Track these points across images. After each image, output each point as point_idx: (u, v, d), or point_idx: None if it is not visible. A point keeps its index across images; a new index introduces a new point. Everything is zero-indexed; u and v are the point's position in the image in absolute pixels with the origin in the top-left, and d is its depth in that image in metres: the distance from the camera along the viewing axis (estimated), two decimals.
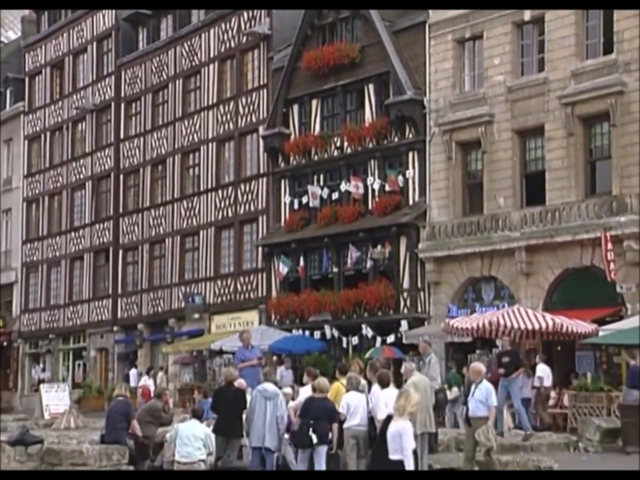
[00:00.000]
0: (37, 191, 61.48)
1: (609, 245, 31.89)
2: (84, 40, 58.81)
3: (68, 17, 60.22)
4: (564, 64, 35.29)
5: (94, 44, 57.97)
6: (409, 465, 11.40)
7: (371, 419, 18.20)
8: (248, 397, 19.87)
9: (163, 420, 20.76)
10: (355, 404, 18.24)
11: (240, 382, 20.81)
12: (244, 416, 19.37)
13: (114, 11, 56.07)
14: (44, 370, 58.54)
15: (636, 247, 32.51)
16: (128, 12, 55.02)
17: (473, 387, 18.59)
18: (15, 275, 62.47)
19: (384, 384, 18.28)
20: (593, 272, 33.76)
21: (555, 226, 34.56)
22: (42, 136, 61.65)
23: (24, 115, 63.19)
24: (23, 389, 59.07)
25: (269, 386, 19.10)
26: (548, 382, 30.93)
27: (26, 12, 66.26)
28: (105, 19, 57.05)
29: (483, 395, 18.10)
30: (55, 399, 41.15)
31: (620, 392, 29.12)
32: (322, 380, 18.91)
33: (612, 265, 32.00)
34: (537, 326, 29.72)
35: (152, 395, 34.26)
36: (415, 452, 18.56)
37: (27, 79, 63.51)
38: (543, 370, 30.85)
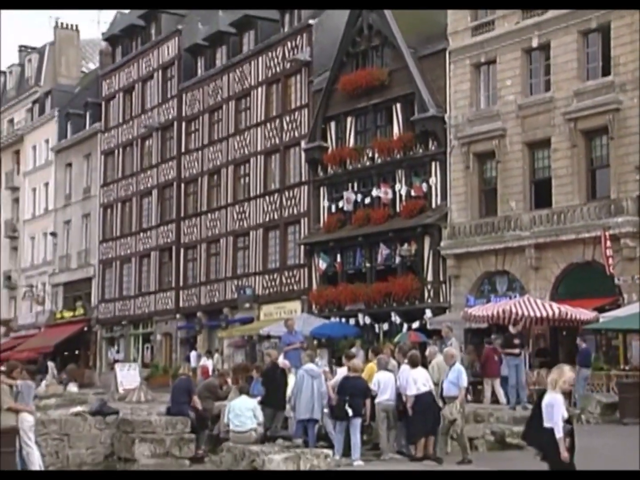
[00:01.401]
0: (111, 198, 61.67)
1: (608, 243, 31.79)
2: (151, 69, 58.93)
3: (138, 49, 60.45)
4: (568, 85, 35.14)
5: (160, 71, 58.09)
6: (558, 432, 11.26)
7: (399, 395, 18.39)
8: (291, 376, 20.13)
9: (219, 396, 20.98)
10: (385, 382, 18.44)
11: (284, 363, 21.03)
12: (288, 391, 19.57)
13: (177, 43, 56.25)
14: (118, 351, 58.95)
15: (632, 244, 32.43)
16: (189, 44, 55.12)
17: (447, 369, 18.24)
18: (93, 270, 62.75)
19: (414, 364, 18.35)
20: (594, 267, 33.48)
21: (561, 226, 34.48)
22: (116, 151, 61.87)
23: (100, 133, 63.45)
24: (101, 368, 59.33)
25: (314, 366, 19.26)
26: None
27: (103, 45, 66.60)
28: (169, 49, 57.17)
29: (455, 377, 17.76)
30: (128, 376, 41.16)
31: (618, 371, 29.13)
32: (357, 362, 19.25)
33: (610, 261, 31.92)
34: (544, 314, 29.76)
35: (209, 374, 34.05)
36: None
37: (103, 103, 63.79)
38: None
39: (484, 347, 32.00)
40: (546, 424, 11.37)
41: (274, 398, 19.41)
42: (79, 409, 21.25)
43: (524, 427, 12.45)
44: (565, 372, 11.72)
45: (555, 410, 11.32)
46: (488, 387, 27.48)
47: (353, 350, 32.60)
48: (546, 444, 11.45)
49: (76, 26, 75.72)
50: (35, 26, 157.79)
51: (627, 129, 33.22)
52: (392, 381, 18.39)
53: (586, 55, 35.11)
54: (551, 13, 35.58)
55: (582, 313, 30.14)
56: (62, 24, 74.80)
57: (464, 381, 17.80)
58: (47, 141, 69.83)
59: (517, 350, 25.95)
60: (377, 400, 18.29)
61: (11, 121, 77.24)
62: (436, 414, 18.29)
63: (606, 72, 34.22)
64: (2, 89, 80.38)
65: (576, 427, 22.82)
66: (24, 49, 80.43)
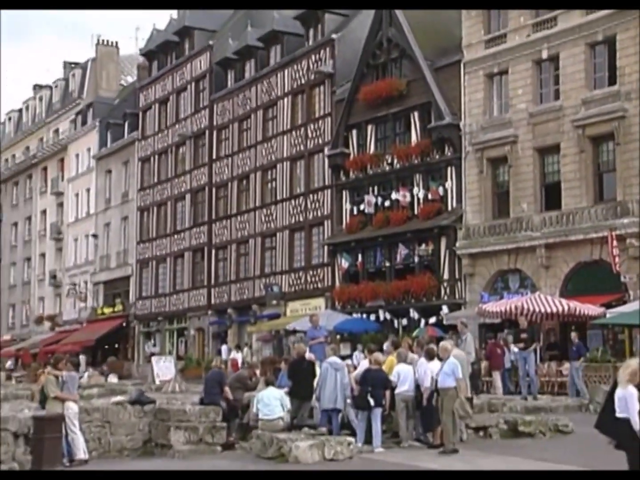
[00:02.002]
0: (148, 202, 61.77)
1: (614, 243, 31.75)
2: (184, 81, 59.02)
3: (172, 63, 60.56)
4: (576, 94, 35.02)
5: (193, 83, 58.18)
6: (635, 424, 10.98)
7: (417, 386, 18.39)
8: (316, 370, 20.03)
9: (249, 387, 20.86)
10: (404, 374, 18.41)
11: (310, 356, 21.03)
12: (315, 382, 19.53)
13: (208, 57, 56.31)
14: (154, 345, 59.03)
15: (637, 244, 32.30)
16: (219, 57, 55.15)
17: (442, 362, 17.98)
18: (131, 269, 62.91)
19: (431, 357, 18.36)
20: (601, 265, 33.37)
21: (570, 227, 34.36)
22: (152, 158, 61.98)
23: (137, 142, 63.63)
24: (139, 360, 59.33)
25: (337, 359, 19.27)
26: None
27: (141, 59, 66.90)
28: (201, 63, 57.27)
29: (450, 369, 17.49)
30: (164, 368, 41.26)
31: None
32: (377, 355, 19.16)
33: (617, 259, 31.85)
34: (554, 310, 29.95)
35: (239, 366, 34.10)
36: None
37: (140, 113, 63.92)
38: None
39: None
40: (619, 415, 11.21)
41: (300, 389, 19.36)
42: (119, 398, 21.35)
43: (597, 416, 12.26)
44: (630, 365, 11.54)
45: (629, 403, 11.12)
46: (497, 378, 27.61)
47: (385, 345, 32.77)
48: (621, 434, 11.27)
49: (116, 43, 76.32)
50: (78, 43, 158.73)
51: (632, 135, 33.09)
52: (410, 373, 18.35)
53: (593, 65, 34.98)
54: (560, 26, 35.58)
55: (590, 309, 30.33)
56: (103, 41, 75.27)
57: (460, 373, 17.56)
58: (89, 149, 70.18)
59: (521, 345, 26.47)
60: (396, 391, 18.24)
61: (56, 131, 77.71)
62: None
63: (612, 81, 34.13)
64: (48, 102, 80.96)
65: (584, 416, 22.98)
66: (68, 65, 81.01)
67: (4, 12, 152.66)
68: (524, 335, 28.28)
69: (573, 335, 29.83)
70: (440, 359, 18.15)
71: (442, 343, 18.99)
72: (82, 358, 51.62)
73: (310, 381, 19.47)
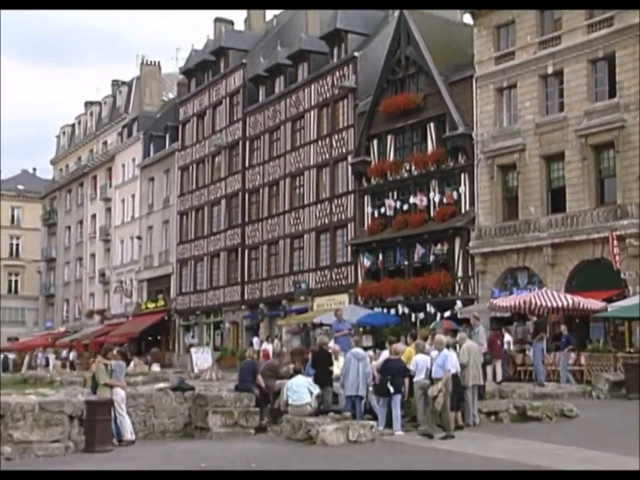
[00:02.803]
0: (187, 206, 61.93)
1: (615, 243, 31.62)
2: (220, 96, 59.15)
3: (209, 80, 60.65)
4: (579, 106, 34.94)
5: (227, 98, 58.30)
6: None
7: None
8: (341, 359, 20.09)
9: (280, 375, 20.82)
10: (421, 363, 18.25)
11: (334, 347, 20.96)
12: (336, 371, 19.65)
13: (242, 74, 56.46)
14: (193, 337, 59.13)
15: (636, 243, 32.20)
16: (252, 74, 55.22)
17: (436, 354, 17.91)
18: (172, 268, 63.08)
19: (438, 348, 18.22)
20: (603, 263, 33.19)
21: (574, 228, 34.31)
22: (190, 167, 62.13)
23: (177, 152, 63.80)
24: (179, 351, 59.50)
25: (360, 350, 19.21)
26: (512, 346, 31.79)
27: (180, 77, 67.17)
28: (235, 80, 57.40)
29: (442, 361, 17.38)
30: (202, 358, 41.33)
31: (624, 354, 29.10)
32: (397, 346, 19.17)
33: (617, 258, 31.71)
34: (560, 304, 29.79)
35: (270, 356, 34.11)
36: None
37: (180, 126, 64.08)
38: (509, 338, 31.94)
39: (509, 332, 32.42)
40: None
41: (320, 376, 19.42)
42: (161, 385, 21.46)
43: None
44: None
45: None
46: (498, 365, 27.69)
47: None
48: None
49: (158, 62, 76.53)
50: (125, 63, 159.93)
51: (630, 144, 33.00)
52: (427, 363, 18.21)
53: (594, 80, 34.85)
54: (564, 44, 35.51)
55: (592, 303, 30.20)
56: (146, 61, 75.60)
57: (449, 365, 17.38)
58: (133, 159, 70.52)
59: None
60: (414, 379, 18.18)
61: (105, 143, 78.19)
62: (460, 392, 18.32)
63: (612, 94, 34.01)
64: (98, 117, 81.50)
65: (587, 402, 22.99)
66: (115, 83, 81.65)
67: (57, 36, 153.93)
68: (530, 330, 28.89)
69: (562, 327, 30.28)
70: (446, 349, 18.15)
71: (437, 336, 18.77)
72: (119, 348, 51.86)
73: (327, 369, 19.56)
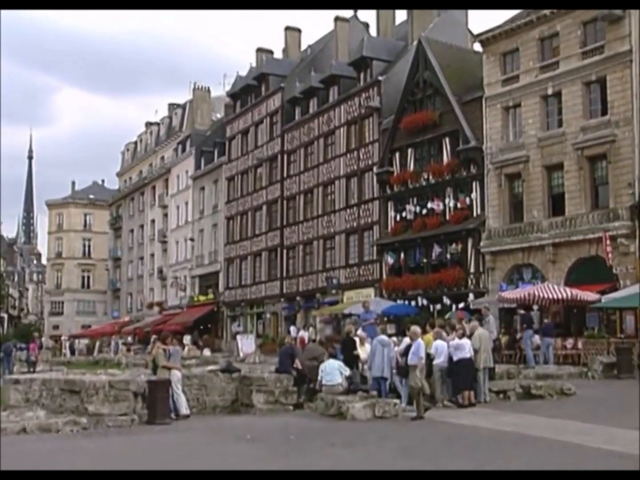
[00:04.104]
0: (233, 212, 62.12)
1: (608, 242, 31.48)
2: (261, 116, 59.31)
3: (252, 102, 60.78)
4: (576, 122, 34.73)
5: (268, 117, 58.42)
6: None
7: (450, 358, 18.35)
8: (367, 345, 20.03)
9: (320, 359, 20.51)
10: (440, 348, 18.34)
11: (361, 334, 20.95)
12: (362, 355, 19.69)
13: (280, 96, 56.53)
14: (239, 326, 59.32)
15: (626, 242, 32.09)
16: (289, 96, 55.32)
17: (413, 343, 17.44)
18: (220, 266, 63.30)
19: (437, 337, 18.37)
20: (597, 260, 33.01)
21: (572, 229, 34.13)
22: (236, 177, 62.28)
23: (225, 164, 63.97)
24: (226, 337, 59.68)
25: (385, 337, 19.25)
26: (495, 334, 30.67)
27: (227, 100, 67.33)
28: (274, 101, 57.50)
29: (416, 350, 17.05)
30: (246, 344, 41.57)
31: (615, 339, 28.98)
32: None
33: (610, 255, 31.60)
34: (560, 296, 29.74)
35: (305, 343, 34.18)
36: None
37: (227, 142, 64.24)
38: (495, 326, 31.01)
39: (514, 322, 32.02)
40: None
41: (348, 360, 19.46)
42: (212, 367, 21.65)
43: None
44: None
45: None
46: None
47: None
48: None
49: (208, 87, 76.79)
50: (179, 89, 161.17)
51: (621, 155, 32.87)
52: (445, 348, 18.30)
53: (589, 100, 34.62)
54: (561, 69, 35.35)
55: (588, 295, 30.10)
56: (198, 86, 75.99)
57: (422, 354, 17.02)
58: (187, 171, 70.87)
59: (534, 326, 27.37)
60: (434, 362, 18.18)
61: (162, 158, 78.70)
62: (474, 374, 18.28)
63: (604, 112, 33.82)
64: (157, 135, 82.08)
65: (584, 381, 22.89)
66: (171, 106, 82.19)
67: (123, 68, 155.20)
68: (532, 319, 28.77)
69: (545, 315, 30.66)
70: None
71: (412, 327, 18.21)
72: (187, 338, 52.21)
73: (351, 353, 19.67)
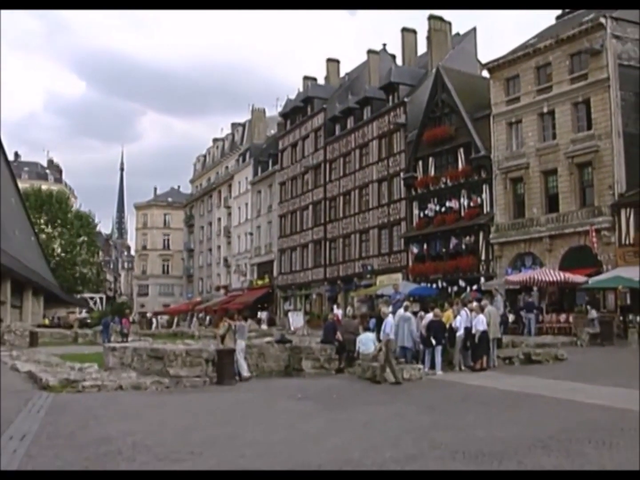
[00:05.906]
0: (285, 211, 62.21)
1: (594, 234, 31.48)
2: (307, 131, 59.20)
3: (300, 120, 60.58)
4: (567, 135, 34.42)
5: (313, 133, 58.36)
6: None
7: (469, 331, 18.43)
8: (391, 319, 19.63)
9: (354, 331, 20.45)
10: (458, 322, 18.49)
11: (388, 311, 20.68)
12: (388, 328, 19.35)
13: (323, 115, 56.37)
14: (290, 304, 59.45)
15: (608, 234, 31.85)
16: (330, 115, 55.20)
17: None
18: (274, 255, 63.41)
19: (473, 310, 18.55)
20: (585, 249, 32.79)
21: (564, 224, 33.88)
22: (287, 182, 62.33)
23: (278, 172, 63.99)
24: (280, 314, 59.91)
25: (408, 313, 19.11)
26: (502, 310, 30.16)
27: (279, 119, 67.27)
28: (318, 120, 57.46)
29: (386, 327, 17.15)
30: (297, 319, 41.81)
31: (600, 313, 28.92)
32: (436, 310, 19.07)
33: (595, 245, 31.61)
34: (555, 279, 29.86)
35: (340, 318, 34.23)
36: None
37: (279, 153, 64.27)
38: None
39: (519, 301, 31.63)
40: None
41: (378, 334, 19.23)
42: (268, 339, 21.79)
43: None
44: None
45: None
46: None
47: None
48: None
49: (264, 109, 76.37)
50: (240, 110, 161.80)
51: (603, 162, 32.63)
52: (463, 322, 18.43)
53: (577, 117, 34.27)
54: (554, 92, 35.01)
55: (578, 278, 30.14)
56: (255, 108, 76.08)
57: (390, 331, 16.94)
58: (246, 178, 71.16)
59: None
60: (457, 334, 18.33)
61: (226, 167, 79.02)
62: (488, 343, 18.33)
63: (589, 127, 33.49)
64: (222, 148, 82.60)
65: (574, 349, 22.83)
66: (234, 125, 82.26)
67: (192, 91, 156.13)
68: (530, 300, 28.65)
69: (527, 294, 30.77)
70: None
71: (382, 308, 17.89)
72: (264, 314, 52.87)
73: (379, 328, 19.38)
